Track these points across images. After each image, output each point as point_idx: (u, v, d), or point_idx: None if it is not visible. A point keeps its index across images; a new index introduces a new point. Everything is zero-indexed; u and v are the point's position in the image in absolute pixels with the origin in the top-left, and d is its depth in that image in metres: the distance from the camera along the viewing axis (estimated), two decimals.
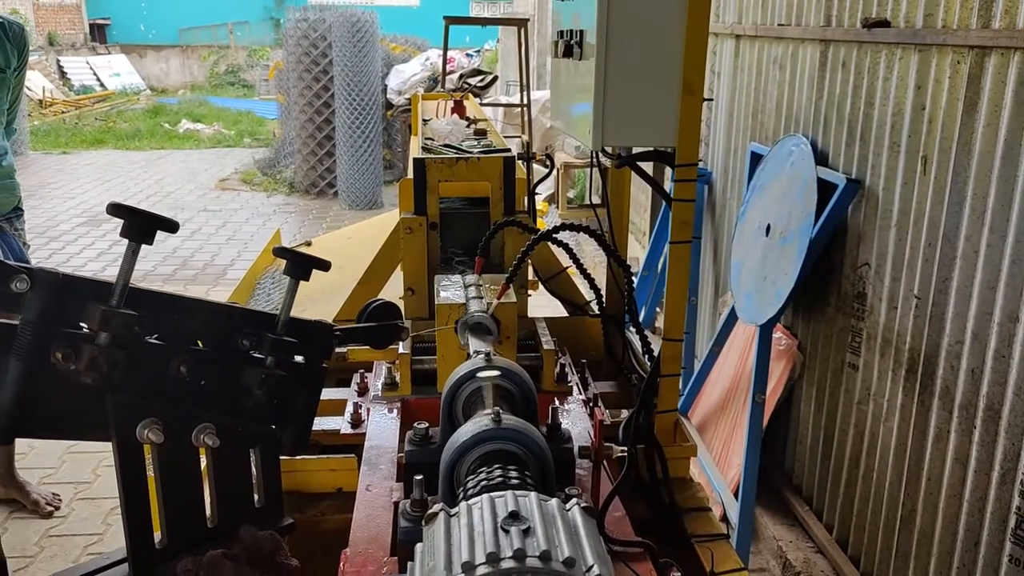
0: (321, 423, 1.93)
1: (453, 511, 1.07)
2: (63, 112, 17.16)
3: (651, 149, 1.81)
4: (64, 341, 1.23)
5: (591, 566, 0.95)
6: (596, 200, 2.38)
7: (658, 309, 5.29)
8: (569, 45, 1.87)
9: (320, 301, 3.82)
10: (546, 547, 0.94)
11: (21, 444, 4.00)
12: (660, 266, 5.04)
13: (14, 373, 1.20)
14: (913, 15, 2.74)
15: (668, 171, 1.75)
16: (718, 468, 3.71)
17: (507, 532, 0.97)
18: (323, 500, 1.76)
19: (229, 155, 13.48)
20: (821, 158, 3.33)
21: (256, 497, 1.57)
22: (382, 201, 10.04)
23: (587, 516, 1.06)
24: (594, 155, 2.09)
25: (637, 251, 6.25)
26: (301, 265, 1.49)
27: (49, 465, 4.08)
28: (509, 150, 2.49)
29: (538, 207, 8.63)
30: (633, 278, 2.16)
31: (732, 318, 3.87)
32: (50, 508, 3.72)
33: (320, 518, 1.71)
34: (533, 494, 1.06)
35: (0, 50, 3.26)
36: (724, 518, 3.47)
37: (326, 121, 10.32)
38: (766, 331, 3.35)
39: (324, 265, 1.51)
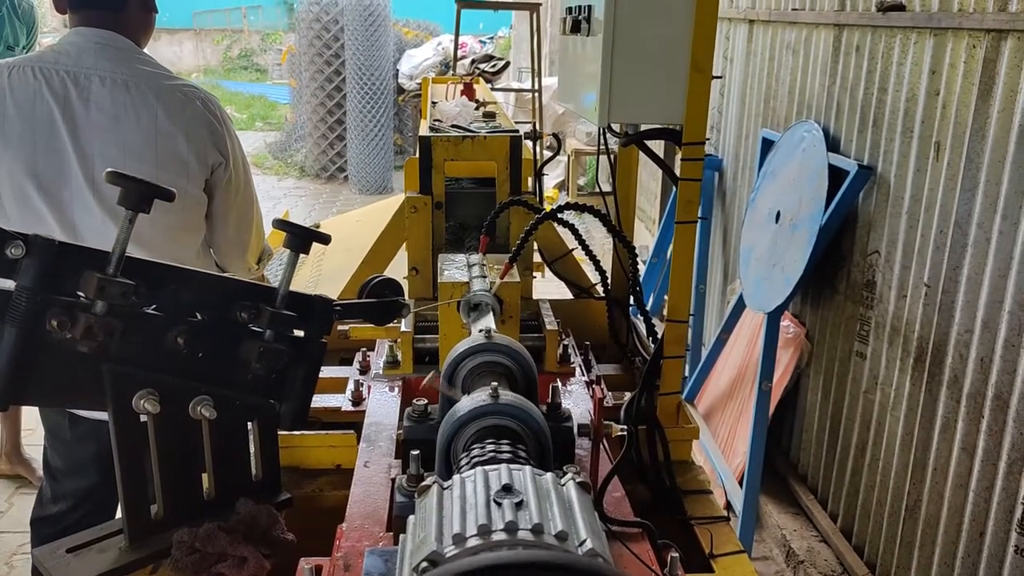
0: (322, 400, 1.92)
1: (446, 484, 1.05)
2: None
3: (658, 127, 1.78)
4: (60, 308, 1.22)
5: (584, 540, 0.93)
6: (606, 188, 2.35)
7: (666, 297, 5.25)
8: (577, 21, 1.84)
9: (327, 283, 3.81)
10: (538, 520, 0.93)
11: (28, 420, 4.02)
12: (669, 253, 5.00)
13: (9, 339, 1.19)
14: None
15: (680, 160, 1.73)
16: (723, 456, 3.69)
17: (499, 505, 0.96)
18: (322, 476, 1.75)
19: (240, 138, 13.47)
20: (833, 144, 3.29)
21: (254, 471, 1.56)
22: (392, 186, 10.02)
23: (582, 491, 1.04)
24: (601, 137, 2.06)
25: (647, 239, 6.21)
26: (300, 238, 1.47)
27: None
28: (517, 130, 2.47)
29: (548, 194, 8.59)
30: (640, 261, 2.14)
31: (740, 305, 3.84)
32: None
33: (318, 494, 1.70)
34: (527, 468, 1.05)
35: (9, 27, 3.26)
36: (728, 506, 3.45)
37: (337, 105, 10.31)
38: (774, 319, 3.33)
39: (324, 238, 1.50)
